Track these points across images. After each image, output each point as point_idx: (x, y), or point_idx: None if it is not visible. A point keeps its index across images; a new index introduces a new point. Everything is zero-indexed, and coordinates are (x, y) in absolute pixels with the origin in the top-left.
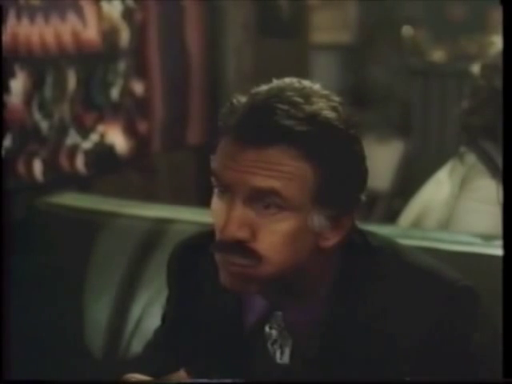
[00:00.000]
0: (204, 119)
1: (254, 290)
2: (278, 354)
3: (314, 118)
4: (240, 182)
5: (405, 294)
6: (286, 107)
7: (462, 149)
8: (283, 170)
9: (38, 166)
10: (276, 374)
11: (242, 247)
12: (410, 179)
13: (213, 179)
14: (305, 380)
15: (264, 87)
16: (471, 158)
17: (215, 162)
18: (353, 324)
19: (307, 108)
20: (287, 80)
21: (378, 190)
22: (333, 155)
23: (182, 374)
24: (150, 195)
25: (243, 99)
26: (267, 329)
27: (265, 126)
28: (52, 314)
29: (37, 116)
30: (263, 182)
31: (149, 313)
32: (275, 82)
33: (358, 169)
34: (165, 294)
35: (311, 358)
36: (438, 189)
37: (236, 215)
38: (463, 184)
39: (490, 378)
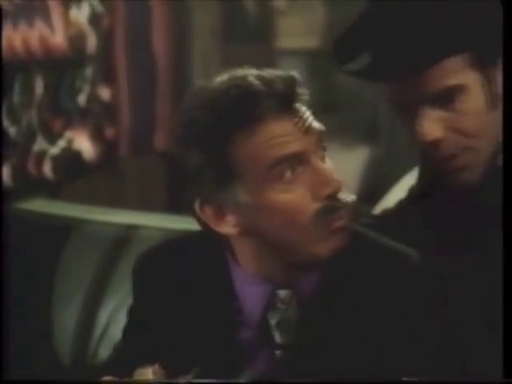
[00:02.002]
0: (171, 124)
1: (348, 241)
2: (280, 336)
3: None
4: (309, 142)
5: (379, 273)
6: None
7: None
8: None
9: (6, 172)
10: (277, 358)
11: (343, 196)
12: (377, 185)
13: (276, 171)
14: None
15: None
16: None
17: (268, 153)
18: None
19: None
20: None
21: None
22: None
23: (156, 369)
24: (117, 201)
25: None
26: (270, 312)
27: (292, 93)
28: (20, 320)
29: (5, 122)
30: (317, 131)
31: (116, 318)
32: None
33: None
34: (132, 299)
35: (318, 331)
36: (403, 195)
37: (330, 167)
38: None
39: (490, 378)
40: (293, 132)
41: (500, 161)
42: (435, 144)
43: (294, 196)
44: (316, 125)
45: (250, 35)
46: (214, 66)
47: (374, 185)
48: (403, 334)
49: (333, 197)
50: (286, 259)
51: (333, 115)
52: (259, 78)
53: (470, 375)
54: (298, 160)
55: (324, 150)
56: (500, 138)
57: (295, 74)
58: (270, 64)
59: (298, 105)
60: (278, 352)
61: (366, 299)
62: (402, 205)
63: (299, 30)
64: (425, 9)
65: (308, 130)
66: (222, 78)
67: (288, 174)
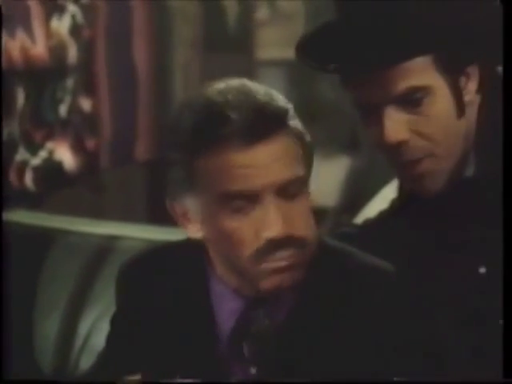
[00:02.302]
0: (152, 135)
1: (300, 277)
2: (253, 352)
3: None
4: (266, 182)
5: (362, 290)
6: (262, 97)
7: None
8: (293, 155)
9: None
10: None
11: (293, 238)
12: (358, 195)
13: (226, 200)
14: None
15: (209, 92)
16: None
17: (224, 182)
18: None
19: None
20: (221, 83)
21: (325, 206)
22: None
23: (138, 378)
24: (99, 211)
25: (197, 109)
26: (243, 327)
27: (261, 118)
28: (1, 330)
29: None
30: (287, 172)
31: (97, 328)
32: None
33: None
34: (113, 309)
35: (291, 346)
36: (383, 206)
37: (280, 211)
38: None
39: (490, 378)
40: (255, 165)
41: (470, 172)
42: (398, 146)
43: (240, 227)
44: (287, 165)
45: (231, 46)
46: (194, 76)
47: (355, 195)
48: (379, 346)
49: (274, 241)
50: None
51: (313, 126)
52: (237, 101)
53: (470, 375)
54: (250, 197)
55: (287, 193)
56: (467, 149)
57: (289, 105)
58: (251, 75)
59: (270, 140)
60: (251, 368)
61: (340, 314)
62: (382, 215)
63: (279, 41)
64: (390, 9)
65: (277, 168)
66: (214, 86)
67: (239, 206)
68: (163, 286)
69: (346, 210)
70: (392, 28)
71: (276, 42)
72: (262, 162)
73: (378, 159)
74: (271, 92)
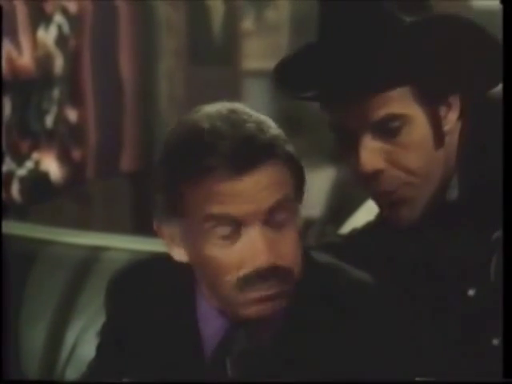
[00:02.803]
0: (138, 146)
1: (282, 306)
2: (234, 371)
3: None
4: (252, 209)
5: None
6: (251, 127)
7: None
8: (281, 182)
9: None
10: None
11: (278, 269)
12: (343, 206)
13: (210, 225)
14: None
15: (199, 117)
16: None
17: (209, 206)
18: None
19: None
20: (211, 108)
21: (310, 217)
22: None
23: None
24: (84, 222)
25: (185, 138)
26: (227, 346)
27: (249, 149)
28: None
29: None
30: (272, 199)
31: (83, 340)
32: (203, 113)
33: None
34: (99, 320)
35: (283, 364)
36: (369, 216)
37: (266, 241)
38: None
39: (490, 378)
40: (240, 194)
41: (451, 196)
42: (374, 176)
43: (224, 255)
44: (271, 193)
45: (216, 57)
46: (179, 87)
47: (340, 205)
48: (369, 360)
49: (258, 270)
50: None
51: (298, 137)
52: (225, 130)
53: (470, 375)
54: (235, 222)
55: (271, 219)
56: (447, 174)
57: (279, 132)
58: (236, 85)
59: (254, 168)
60: None
61: (328, 329)
62: (369, 226)
63: (264, 52)
64: (371, 39)
65: (263, 197)
66: (204, 110)
67: (223, 232)
68: (151, 299)
69: (332, 221)
70: (370, 57)
71: (261, 53)
72: (249, 192)
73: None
74: (262, 120)
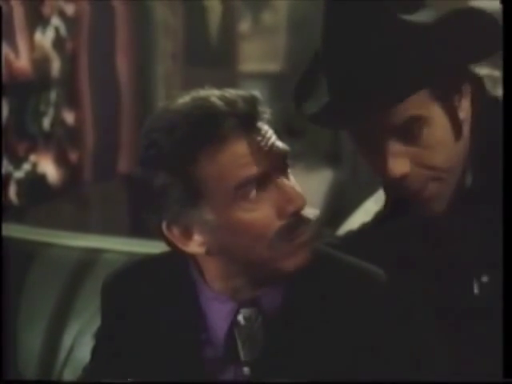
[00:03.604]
0: (135, 148)
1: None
2: (248, 353)
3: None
4: (273, 160)
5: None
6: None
7: None
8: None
9: None
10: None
11: (307, 212)
12: (339, 208)
13: (240, 192)
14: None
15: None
16: None
17: (233, 175)
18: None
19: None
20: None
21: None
22: None
23: None
24: (81, 224)
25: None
26: (237, 330)
27: (249, 108)
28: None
29: None
30: (284, 149)
31: (80, 342)
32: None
33: None
34: (96, 323)
35: (284, 347)
36: (365, 218)
37: (292, 187)
38: None
39: (490, 378)
40: (256, 151)
41: (468, 182)
42: (401, 179)
43: (259, 214)
44: (279, 143)
45: (213, 59)
46: (176, 89)
47: (337, 207)
48: (369, 348)
49: (296, 214)
50: (251, 276)
51: (295, 138)
52: (221, 98)
53: (470, 375)
54: (262, 179)
55: (287, 167)
56: (466, 164)
57: (256, 93)
58: (232, 88)
59: (260, 124)
60: (245, 369)
61: (329, 315)
62: (365, 227)
63: (261, 54)
64: (384, 49)
65: (271, 148)
66: (184, 99)
67: (253, 194)
68: (149, 298)
69: (329, 223)
70: (388, 69)
71: (258, 55)
72: (263, 145)
73: (361, 172)
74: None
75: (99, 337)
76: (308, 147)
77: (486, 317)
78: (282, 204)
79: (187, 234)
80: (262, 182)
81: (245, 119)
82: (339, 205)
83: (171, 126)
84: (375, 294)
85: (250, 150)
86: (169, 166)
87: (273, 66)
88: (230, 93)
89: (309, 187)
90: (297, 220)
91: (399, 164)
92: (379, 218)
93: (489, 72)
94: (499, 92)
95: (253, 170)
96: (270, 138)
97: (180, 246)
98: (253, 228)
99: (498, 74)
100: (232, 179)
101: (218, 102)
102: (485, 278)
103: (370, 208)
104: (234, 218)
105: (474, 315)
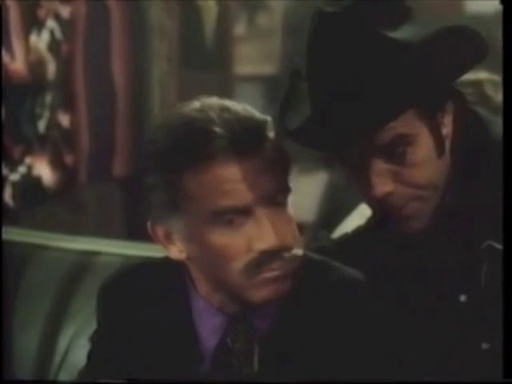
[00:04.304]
0: (130, 151)
1: (288, 288)
2: (243, 366)
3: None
4: (257, 194)
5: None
6: (241, 111)
7: None
8: (276, 165)
9: None
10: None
11: (284, 248)
12: (335, 211)
13: (216, 217)
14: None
15: (191, 109)
16: None
17: (213, 199)
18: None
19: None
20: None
21: (302, 222)
22: None
23: None
24: (76, 227)
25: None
26: (230, 344)
27: (244, 133)
28: None
29: None
30: (273, 181)
31: (75, 345)
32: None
33: None
34: (92, 325)
35: (280, 359)
36: (360, 221)
37: (271, 222)
38: None
39: (490, 378)
40: (242, 180)
41: (448, 198)
42: (384, 198)
43: (231, 241)
44: (275, 176)
45: (208, 62)
46: (171, 92)
47: (332, 210)
48: (361, 354)
49: (267, 252)
50: (228, 294)
51: (291, 141)
52: (220, 116)
53: (470, 375)
54: (241, 211)
55: (276, 202)
56: (446, 181)
57: (267, 118)
58: (228, 90)
59: (258, 151)
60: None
61: (323, 326)
62: (359, 231)
63: (256, 57)
64: (368, 72)
65: (261, 180)
66: (189, 106)
67: (229, 221)
68: (146, 302)
69: (323, 226)
70: (375, 91)
71: (253, 58)
72: (251, 175)
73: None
74: (247, 107)
75: (95, 340)
76: (303, 150)
77: (486, 316)
78: (254, 239)
79: (169, 238)
80: (241, 212)
81: (238, 143)
82: (334, 207)
83: (169, 131)
84: (367, 302)
85: (235, 177)
86: (159, 167)
87: (268, 69)
88: (233, 110)
89: (304, 190)
90: (267, 257)
91: (383, 183)
92: (370, 226)
93: (488, 76)
94: (499, 96)
95: (233, 201)
96: (262, 171)
97: (164, 248)
98: (223, 252)
99: (497, 78)
100: (210, 204)
101: (216, 120)
102: (463, 298)
103: (365, 211)
104: (206, 238)
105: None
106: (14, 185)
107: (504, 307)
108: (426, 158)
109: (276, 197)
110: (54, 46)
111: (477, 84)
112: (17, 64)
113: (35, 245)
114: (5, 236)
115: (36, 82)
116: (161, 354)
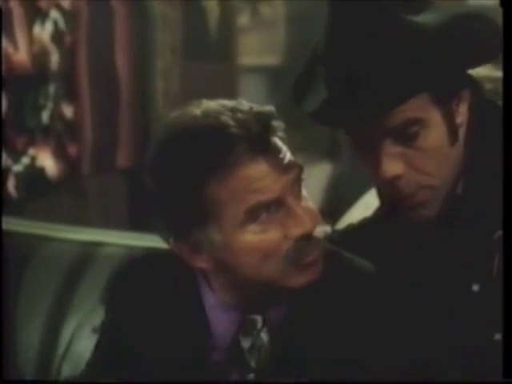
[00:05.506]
0: (133, 142)
1: (321, 270)
2: (254, 360)
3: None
4: (284, 184)
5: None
6: (248, 108)
7: None
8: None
9: None
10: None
11: (315, 231)
12: (339, 202)
13: (248, 217)
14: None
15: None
16: None
17: (243, 200)
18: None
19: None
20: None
21: None
22: None
23: None
24: (80, 218)
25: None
26: (242, 337)
27: (259, 130)
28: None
29: None
30: (296, 168)
31: (79, 336)
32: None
33: None
34: (95, 316)
35: (289, 354)
36: (365, 212)
37: (301, 208)
38: None
39: (490, 378)
40: (269, 174)
41: (459, 190)
42: (394, 181)
43: (267, 236)
44: (293, 161)
45: (212, 53)
46: (175, 83)
47: (336, 201)
48: (373, 348)
49: (304, 236)
50: (258, 291)
51: (294, 132)
52: (233, 118)
53: (470, 375)
54: (273, 203)
55: (300, 185)
56: (459, 170)
57: (271, 108)
58: (232, 81)
59: (273, 143)
60: (250, 375)
61: (336, 319)
62: (365, 222)
63: (260, 48)
64: (385, 54)
65: (284, 169)
66: (194, 111)
67: (263, 217)
68: (157, 295)
69: (328, 217)
70: (387, 72)
71: (257, 49)
72: (274, 167)
73: (359, 166)
74: (242, 101)
75: (103, 331)
76: (307, 141)
77: (486, 316)
78: (290, 227)
79: (194, 250)
80: (273, 205)
81: (257, 142)
82: (338, 198)
83: (183, 144)
84: (371, 291)
85: (261, 173)
86: (181, 184)
87: (272, 60)
88: (243, 110)
89: (308, 181)
90: (304, 242)
91: (393, 165)
92: (378, 216)
93: (489, 72)
94: (499, 93)
95: (264, 196)
96: (283, 159)
97: (187, 260)
98: (260, 249)
99: (498, 74)
100: (242, 204)
101: (231, 123)
102: (475, 287)
103: (370, 202)
104: (242, 239)
105: (473, 314)
106: (18, 176)
107: (504, 307)
108: (438, 145)
109: (297, 185)
110: (57, 36)
111: (497, 81)
112: (20, 55)
113: (39, 236)
114: (8, 227)
115: (39, 73)
116: (171, 348)
